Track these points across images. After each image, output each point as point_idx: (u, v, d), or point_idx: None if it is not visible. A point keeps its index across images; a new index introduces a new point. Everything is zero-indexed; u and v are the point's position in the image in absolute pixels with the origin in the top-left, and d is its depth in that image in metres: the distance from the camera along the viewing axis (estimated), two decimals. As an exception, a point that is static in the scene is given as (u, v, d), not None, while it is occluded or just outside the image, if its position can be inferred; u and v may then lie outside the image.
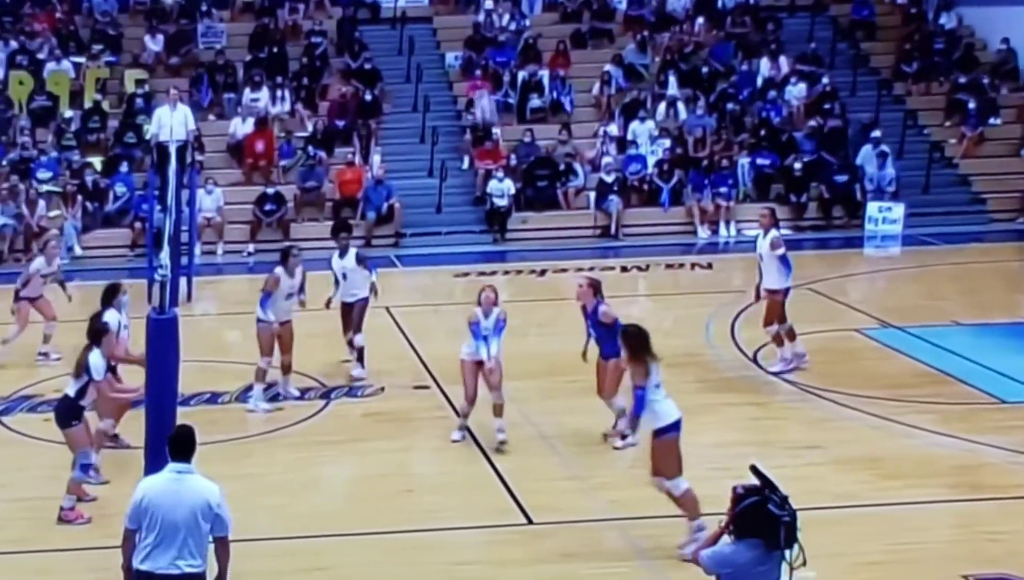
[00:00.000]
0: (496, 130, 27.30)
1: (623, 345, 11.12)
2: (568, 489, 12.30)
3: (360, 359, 16.02)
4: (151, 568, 8.08)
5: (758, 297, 16.00)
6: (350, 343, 16.08)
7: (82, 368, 11.89)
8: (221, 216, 25.18)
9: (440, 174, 26.60)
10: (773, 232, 15.51)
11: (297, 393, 15.51)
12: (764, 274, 15.71)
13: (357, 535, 11.57)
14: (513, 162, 26.66)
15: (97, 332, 12.15)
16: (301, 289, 15.42)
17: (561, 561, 10.90)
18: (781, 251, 15.36)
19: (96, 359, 11.87)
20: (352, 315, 15.98)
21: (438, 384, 15.70)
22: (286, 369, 15.41)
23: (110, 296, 13.38)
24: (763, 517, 7.38)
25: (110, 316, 12.91)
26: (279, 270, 15.18)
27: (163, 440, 9.25)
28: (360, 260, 16.04)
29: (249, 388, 15.32)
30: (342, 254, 16.09)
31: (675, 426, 10.73)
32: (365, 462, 13.50)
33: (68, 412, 11.91)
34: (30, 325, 17.01)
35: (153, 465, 9.15)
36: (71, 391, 11.95)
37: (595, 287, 13.72)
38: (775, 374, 15.66)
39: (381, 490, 12.68)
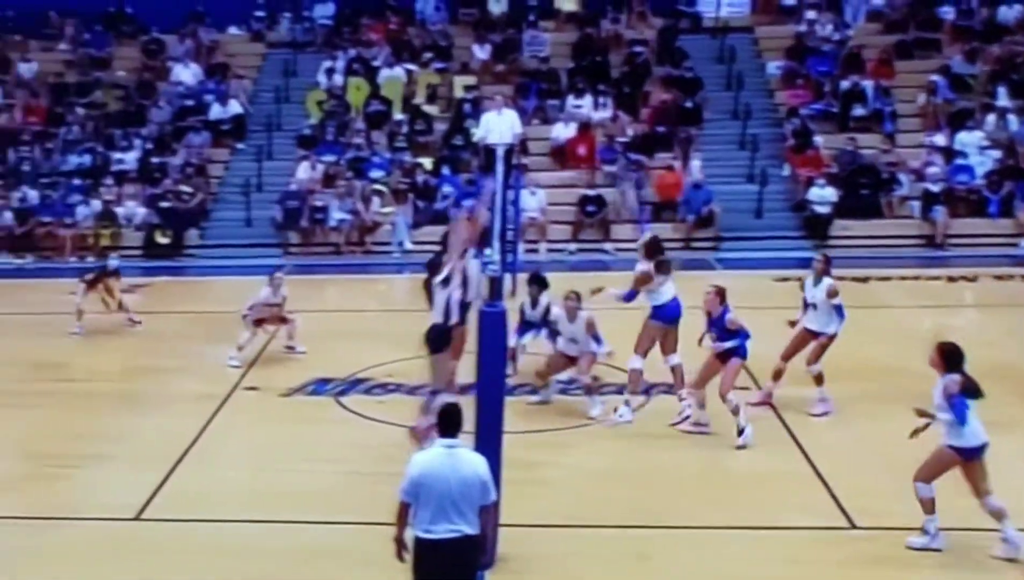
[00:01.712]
0: (818, 138, 27.13)
1: (942, 358, 10.93)
2: (890, 494, 12.02)
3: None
4: (435, 536, 8.48)
5: (793, 325, 15.29)
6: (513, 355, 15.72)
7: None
8: (544, 216, 25.87)
9: (760, 180, 26.57)
10: (827, 280, 14.92)
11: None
12: (813, 317, 15.02)
13: (673, 528, 11.63)
14: (835, 170, 26.42)
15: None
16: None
17: (877, 566, 10.82)
18: (838, 300, 14.84)
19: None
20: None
21: (758, 385, 15.68)
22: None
23: None
24: None
25: None
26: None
27: (492, 428, 9.71)
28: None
29: (570, 382, 15.66)
30: (533, 304, 15.96)
31: (983, 448, 10.81)
32: (682, 457, 13.58)
33: (440, 337, 12.70)
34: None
35: (483, 450, 9.42)
36: (439, 318, 12.75)
37: (721, 295, 13.96)
38: (817, 415, 14.89)
39: (700, 485, 12.78)
